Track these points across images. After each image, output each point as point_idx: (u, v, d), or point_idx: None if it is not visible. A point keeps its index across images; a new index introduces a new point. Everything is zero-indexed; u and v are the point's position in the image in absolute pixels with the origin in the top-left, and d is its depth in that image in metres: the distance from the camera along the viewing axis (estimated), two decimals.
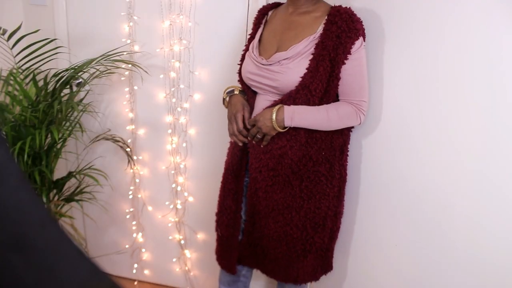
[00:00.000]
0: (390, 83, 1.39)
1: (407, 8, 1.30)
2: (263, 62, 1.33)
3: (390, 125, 1.41)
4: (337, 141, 1.36)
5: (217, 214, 1.54)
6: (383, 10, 1.37)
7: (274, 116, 1.27)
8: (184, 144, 1.95)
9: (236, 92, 1.44)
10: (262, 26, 1.45)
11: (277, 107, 1.28)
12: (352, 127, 1.40)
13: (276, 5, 1.47)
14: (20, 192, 0.34)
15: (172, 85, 1.87)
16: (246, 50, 1.45)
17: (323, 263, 1.46)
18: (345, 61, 1.26)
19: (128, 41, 1.85)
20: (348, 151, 1.45)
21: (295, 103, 1.28)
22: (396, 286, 1.46)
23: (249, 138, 1.36)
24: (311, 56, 1.27)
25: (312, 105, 1.29)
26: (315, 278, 1.48)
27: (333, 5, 1.32)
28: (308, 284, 1.85)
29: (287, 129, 1.30)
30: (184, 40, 1.80)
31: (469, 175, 1.19)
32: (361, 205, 1.56)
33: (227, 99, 1.46)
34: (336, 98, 1.34)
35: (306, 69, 1.27)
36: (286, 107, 1.28)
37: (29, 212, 0.34)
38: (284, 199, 1.35)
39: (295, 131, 1.31)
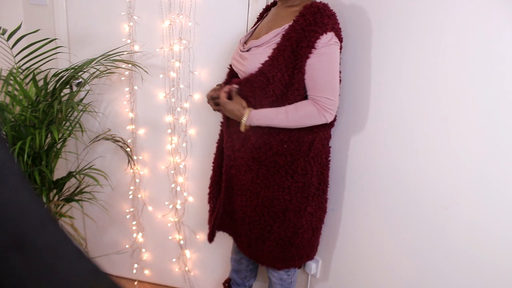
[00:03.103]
0: (389, 83, 1.38)
1: (405, 7, 1.30)
2: (241, 49, 1.42)
3: (390, 125, 1.41)
4: (306, 137, 1.37)
5: (209, 188, 1.65)
6: (381, 7, 1.37)
7: (244, 116, 1.34)
8: (184, 144, 1.95)
9: None
10: (261, 20, 1.51)
11: (248, 109, 1.35)
12: (331, 125, 1.40)
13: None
14: (20, 192, 0.34)
15: (172, 85, 1.87)
16: None
17: (285, 256, 1.47)
18: (309, 55, 1.25)
19: (128, 41, 1.85)
20: (323, 150, 1.42)
21: (253, 87, 1.32)
22: (396, 286, 1.46)
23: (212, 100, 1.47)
24: (276, 46, 1.30)
25: (271, 92, 1.31)
26: (276, 267, 1.52)
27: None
28: (308, 284, 1.86)
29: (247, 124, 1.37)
30: (184, 40, 1.80)
31: (469, 175, 1.19)
32: (361, 206, 1.56)
33: None
34: (303, 92, 1.33)
35: (268, 57, 1.30)
36: (252, 110, 1.34)
37: (29, 212, 0.34)
38: (245, 181, 1.43)
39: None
